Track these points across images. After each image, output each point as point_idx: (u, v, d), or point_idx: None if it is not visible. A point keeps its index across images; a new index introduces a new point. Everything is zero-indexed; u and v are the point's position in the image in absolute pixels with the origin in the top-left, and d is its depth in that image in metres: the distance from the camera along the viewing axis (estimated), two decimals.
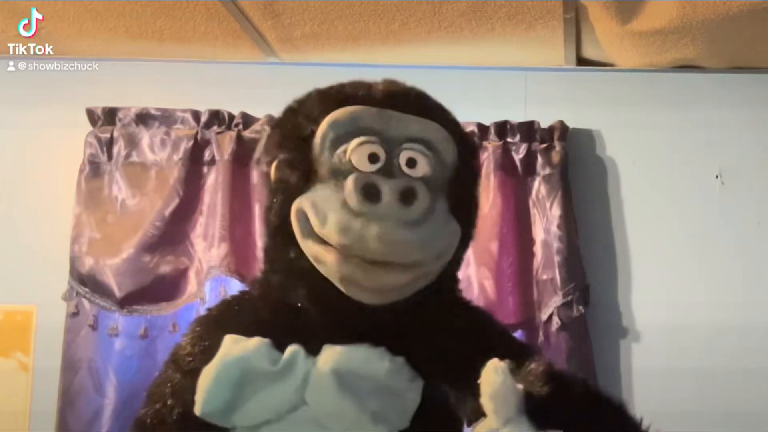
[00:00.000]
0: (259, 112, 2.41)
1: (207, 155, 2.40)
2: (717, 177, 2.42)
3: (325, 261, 1.02)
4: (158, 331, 2.37)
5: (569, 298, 2.29)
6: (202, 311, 2.34)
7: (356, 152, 1.03)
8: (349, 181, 1.00)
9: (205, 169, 2.41)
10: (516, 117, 2.40)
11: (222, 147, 2.37)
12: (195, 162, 2.39)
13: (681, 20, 2.08)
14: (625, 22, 2.11)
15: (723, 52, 2.34)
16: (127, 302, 2.33)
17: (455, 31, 2.22)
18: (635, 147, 2.45)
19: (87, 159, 2.40)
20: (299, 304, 1.07)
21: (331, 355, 1.02)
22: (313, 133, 1.05)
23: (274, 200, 1.08)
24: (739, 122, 2.44)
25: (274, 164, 1.09)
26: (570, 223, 2.34)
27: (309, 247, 1.03)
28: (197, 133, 2.40)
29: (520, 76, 2.48)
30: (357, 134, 1.04)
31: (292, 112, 1.12)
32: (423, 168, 1.05)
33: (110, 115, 2.43)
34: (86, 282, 2.34)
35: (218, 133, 2.40)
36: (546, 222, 2.34)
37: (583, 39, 2.29)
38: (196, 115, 2.41)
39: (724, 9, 2.01)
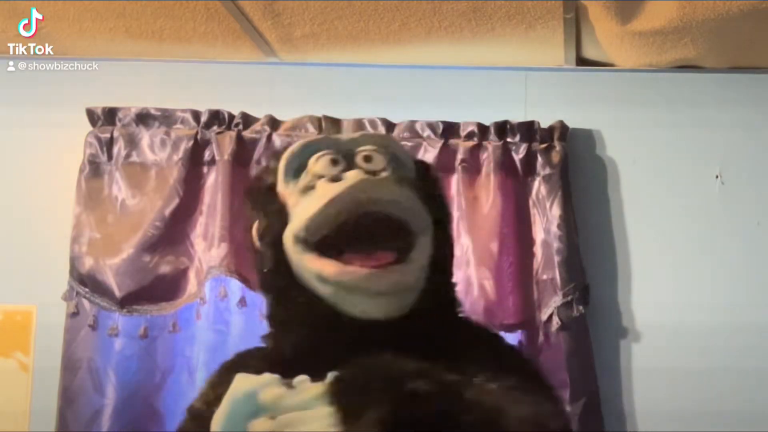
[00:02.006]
0: (259, 112, 2.41)
1: (207, 155, 2.40)
2: (717, 177, 2.42)
3: (327, 272, 1.03)
4: (158, 331, 2.37)
5: (569, 298, 2.29)
6: (202, 311, 2.37)
7: (318, 163, 1.08)
8: (319, 181, 1.06)
9: (205, 169, 2.41)
10: (516, 117, 2.40)
11: (222, 147, 2.37)
12: (195, 162, 2.40)
13: (681, 20, 2.08)
14: (625, 22, 2.11)
15: (723, 52, 2.34)
16: (127, 302, 2.33)
17: (455, 31, 2.22)
18: (635, 147, 2.45)
19: (87, 159, 2.40)
20: (300, 343, 1.08)
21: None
22: (273, 182, 1.12)
23: (267, 250, 1.12)
24: (739, 122, 2.44)
25: (257, 228, 1.15)
26: (570, 223, 2.34)
27: (309, 265, 1.05)
28: (197, 133, 2.40)
29: (520, 76, 2.48)
30: (313, 153, 1.10)
31: (253, 182, 1.21)
32: (380, 162, 1.09)
33: (110, 115, 2.43)
34: (86, 282, 2.34)
35: (218, 133, 2.40)
36: (546, 222, 2.34)
37: (583, 39, 2.29)
38: (196, 115, 2.41)
39: (724, 9, 2.01)
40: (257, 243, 1.15)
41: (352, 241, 1.03)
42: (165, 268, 2.35)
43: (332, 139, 1.14)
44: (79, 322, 2.35)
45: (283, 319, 1.12)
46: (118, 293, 2.32)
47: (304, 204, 1.06)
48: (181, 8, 2.12)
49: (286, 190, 1.10)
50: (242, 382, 0.99)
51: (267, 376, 0.99)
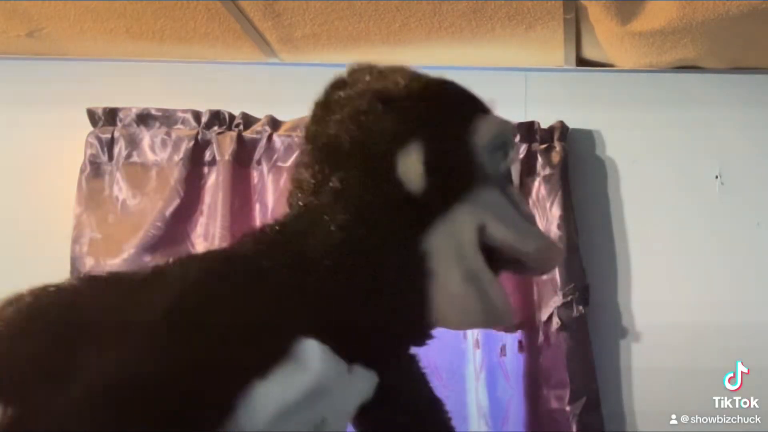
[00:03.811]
0: (259, 112, 2.42)
1: (207, 155, 2.40)
2: (717, 177, 2.42)
3: (491, 293, 0.87)
4: None
5: (569, 298, 2.29)
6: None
7: (509, 163, 0.95)
8: (515, 193, 0.93)
9: (205, 169, 2.41)
10: (516, 117, 2.40)
11: (222, 147, 2.38)
12: (195, 162, 2.40)
13: (681, 20, 2.08)
14: (625, 22, 2.11)
15: (723, 53, 2.35)
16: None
17: (455, 32, 2.22)
18: (635, 147, 2.45)
19: (88, 159, 2.41)
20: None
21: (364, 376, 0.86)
22: (471, 130, 0.91)
23: (429, 198, 0.87)
24: (739, 122, 2.44)
25: (423, 150, 0.88)
26: (570, 223, 2.34)
27: (479, 269, 0.88)
28: (198, 133, 2.40)
29: (520, 76, 2.48)
30: (507, 146, 0.94)
31: (438, 100, 0.94)
32: None
33: (111, 115, 2.43)
34: None
35: (219, 133, 2.40)
36: (546, 222, 2.34)
37: (583, 39, 2.29)
38: (196, 115, 2.42)
39: (724, 9, 2.01)
40: (418, 180, 0.87)
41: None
42: None
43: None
44: None
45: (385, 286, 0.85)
46: None
47: (517, 223, 0.91)
48: (181, 9, 2.12)
49: (484, 156, 0.91)
50: (326, 367, 0.78)
51: (321, 357, 0.78)
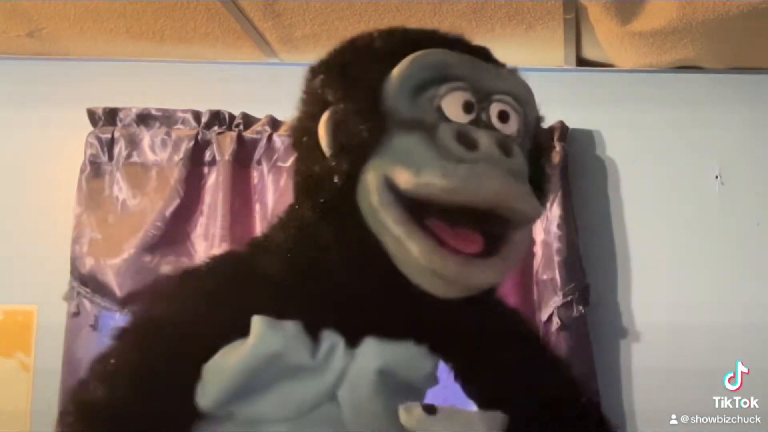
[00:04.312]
0: (259, 112, 2.42)
1: (208, 155, 2.40)
2: (717, 177, 2.42)
3: (411, 249, 0.85)
4: None
5: (569, 298, 2.29)
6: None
7: (448, 100, 0.89)
8: (444, 131, 0.86)
9: (205, 169, 2.41)
10: None
11: (222, 147, 2.38)
12: (196, 162, 2.40)
13: (681, 20, 2.08)
14: (625, 22, 2.11)
15: (723, 52, 2.35)
16: (127, 302, 2.33)
17: (455, 32, 2.22)
18: (635, 147, 2.45)
19: (88, 159, 2.41)
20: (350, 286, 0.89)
21: (374, 351, 0.89)
22: (383, 78, 0.88)
23: (335, 163, 0.87)
24: (739, 122, 2.44)
25: (328, 116, 0.89)
26: (570, 223, 2.34)
27: (392, 225, 0.86)
28: (198, 133, 2.40)
29: None
30: (444, 80, 0.89)
31: (353, 51, 0.94)
32: (514, 124, 0.92)
33: (111, 115, 2.43)
34: (87, 282, 2.34)
35: (219, 133, 2.40)
36: (546, 222, 2.34)
37: (583, 39, 2.29)
38: (196, 115, 2.42)
39: (724, 9, 2.01)
40: (327, 146, 0.89)
41: (442, 211, 0.87)
42: (166, 269, 2.35)
43: (475, 65, 0.93)
44: (80, 323, 2.35)
45: (339, 258, 0.90)
46: (118, 293, 2.32)
47: (426, 163, 0.85)
48: (181, 9, 2.12)
49: (396, 103, 0.88)
50: (266, 338, 0.85)
51: (292, 329, 0.87)
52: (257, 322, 0.87)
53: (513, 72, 0.99)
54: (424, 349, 0.93)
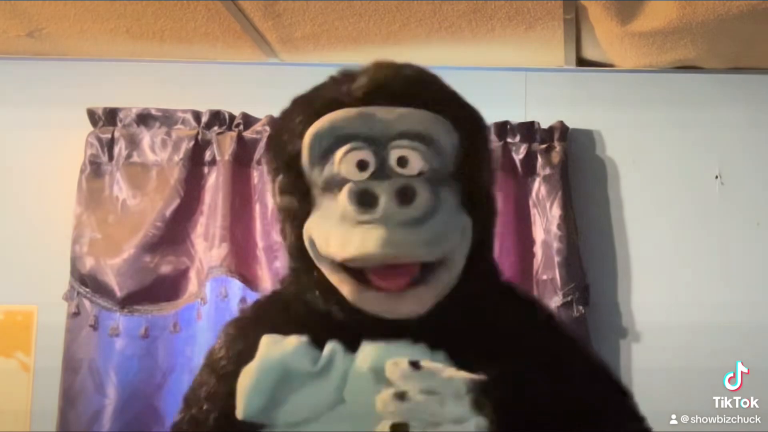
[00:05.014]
0: (259, 112, 2.42)
1: (208, 155, 2.40)
2: (717, 177, 2.42)
3: (343, 291, 0.98)
4: (159, 331, 2.37)
5: (569, 298, 2.30)
6: (203, 312, 2.37)
7: (344, 162, 0.96)
8: (342, 193, 0.95)
9: (205, 169, 2.41)
10: (516, 117, 2.40)
11: (223, 147, 2.38)
12: (196, 162, 2.40)
13: (681, 20, 2.08)
14: (625, 22, 2.12)
15: (723, 52, 2.35)
16: (127, 302, 2.33)
17: (455, 32, 2.22)
18: (635, 147, 2.45)
19: (88, 159, 2.41)
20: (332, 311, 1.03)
21: (369, 352, 0.97)
22: (299, 151, 0.99)
23: (285, 226, 1.04)
24: (739, 122, 2.44)
25: (275, 186, 1.04)
26: (570, 223, 2.34)
27: (327, 274, 0.99)
28: (198, 133, 2.40)
29: (520, 76, 2.48)
30: (341, 142, 0.97)
31: (277, 129, 1.07)
32: (417, 164, 0.97)
33: (111, 115, 2.43)
34: (87, 282, 2.34)
35: (219, 133, 2.40)
36: (546, 222, 2.34)
37: (583, 39, 2.30)
38: (196, 115, 2.42)
39: (724, 9, 2.01)
40: (277, 202, 1.05)
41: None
42: (166, 269, 2.36)
43: (365, 119, 0.99)
44: (80, 322, 2.35)
45: (311, 293, 1.04)
46: (118, 293, 2.32)
47: (331, 229, 0.96)
48: (181, 9, 2.12)
49: (311, 173, 0.99)
50: (271, 349, 0.97)
51: (295, 341, 0.97)
52: (263, 340, 0.99)
53: (417, 110, 1.02)
54: (420, 346, 0.98)
